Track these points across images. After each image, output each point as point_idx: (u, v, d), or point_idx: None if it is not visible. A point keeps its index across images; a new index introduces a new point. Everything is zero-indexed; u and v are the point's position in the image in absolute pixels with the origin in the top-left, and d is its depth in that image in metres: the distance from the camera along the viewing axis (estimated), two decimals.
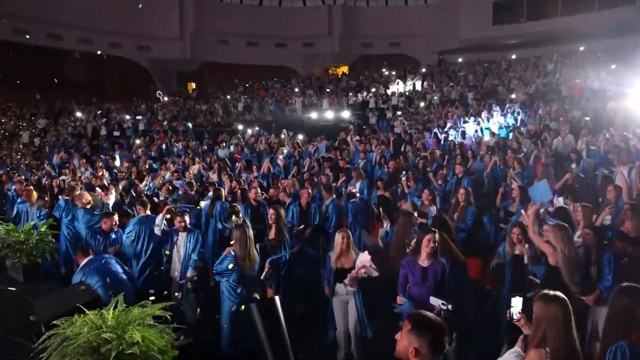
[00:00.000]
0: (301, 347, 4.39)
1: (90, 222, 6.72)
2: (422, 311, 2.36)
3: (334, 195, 7.88)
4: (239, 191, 8.22)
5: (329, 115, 19.92)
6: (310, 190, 7.75)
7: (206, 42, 31.91)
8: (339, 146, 13.58)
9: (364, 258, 4.78)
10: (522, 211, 5.83)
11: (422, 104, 19.90)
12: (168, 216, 6.19)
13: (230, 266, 4.90)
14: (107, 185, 8.99)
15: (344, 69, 33.87)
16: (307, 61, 33.20)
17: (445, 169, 9.45)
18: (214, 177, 10.44)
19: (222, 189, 8.02)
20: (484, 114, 14.89)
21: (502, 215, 6.95)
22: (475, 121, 14.47)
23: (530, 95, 17.77)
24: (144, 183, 10.21)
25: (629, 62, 17.59)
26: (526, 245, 4.90)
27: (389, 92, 22.93)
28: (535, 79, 19.51)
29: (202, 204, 7.91)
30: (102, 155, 15.37)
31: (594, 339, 4.40)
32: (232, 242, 5.12)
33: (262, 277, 5.44)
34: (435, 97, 20.49)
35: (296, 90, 25.70)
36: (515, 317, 3.08)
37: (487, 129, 13.60)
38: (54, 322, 2.93)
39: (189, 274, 5.81)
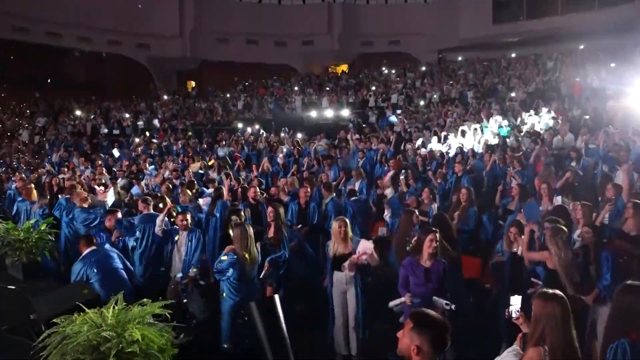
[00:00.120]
0: (301, 347, 4.40)
1: (86, 220, 6.70)
2: (424, 309, 2.38)
3: (334, 194, 7.89)
4: (239, 189, 8.22)
5: (329, 113, 19.92)
6: (308, 189, 7.74)
7: (206, 41, 31.86)
8: (339, 144, 13.59)
9: (367, 245, 4.77)
10: (522, 210, 5.86)
11: (421, 103, 19.89)
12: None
13: (230, 267, 4.90)
14: (106, 183, 9.00)
15: (344, 67, 33.83)
16: (307, 59, 33.15)
17: (444, 167, 9.46)
18: (213, 175, 10.44)
19: (223, 188, 8.02)
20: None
21: (501, 213, 6.97)
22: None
23: (530, 93, 17.76)
24: (144, 181, 10.21)
25: (629, 61, 17.58)
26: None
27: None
28: (535, 78, 19.47)
29: (201, 201, 7.89)
30: (101, 154, 15.38)
31: (593, 337, 4.41)
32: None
33: (261, 276, 5.45)
34: (435, 96, 20.48)
35: (296, 88, 25.67)
36: (514, 315, 3.09)
37: (486, 127, 13.59)
38: (54, 320, 2.93)
39: (192, 272, 5.82)
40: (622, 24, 22.86)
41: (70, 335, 2.74)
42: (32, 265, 5.28)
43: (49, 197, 8.23)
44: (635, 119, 10.53)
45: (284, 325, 3.32)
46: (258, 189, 7.71)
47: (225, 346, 4.97)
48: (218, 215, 7.32)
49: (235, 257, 4.92)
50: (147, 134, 18.95)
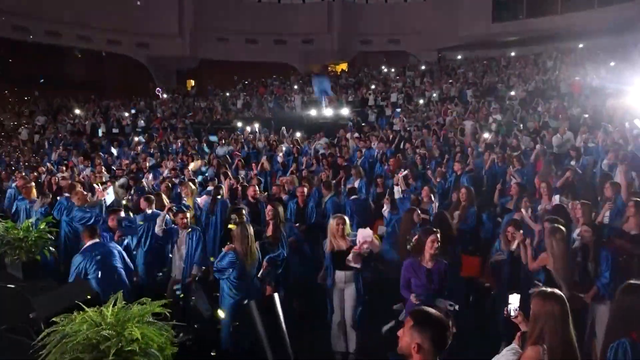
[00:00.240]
0: (301, 346, 4.39)
1: (82, 219, 6.68)
2: (425, 307, 2.37)
3: (333, 192, 7.88)
4: (239, 188, 8.21)
5: (328, 112, 19.89)
6: (306, 188, 7.73)
7: (205, 40, 31.86)
8: (338, 143, 13.58)
9: (366, 233, 4.74)
10: (523, 210, 5.87)
11: (421, 101, 19.88)
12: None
13: (230, 266, 4.90)
14: (105, 182, 8.99)
15: (343, 66, 33.81)
16: (306, 58, 33.13)
17: (444, 166, 9.45)
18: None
19: (223, 186, 8.02)
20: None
21: (499, 212, 6.97)
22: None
23: (529, 92, 17.75)
24: (144, 180, 10.19)
25: (629, 59, 17.59)
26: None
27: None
28: (535, 76, 19.47)
29: (200, 200, 7.86)
30: (101, 153, 15.36)
31: (592, 336, 4.41)
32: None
33: (259, 275, 5.45)
34: (434, 94, 20.47)
35: (295, 87, 25.66)
36: (512, 314, 3.09)
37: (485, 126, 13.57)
38: (53, 319, 2.93)
39: (194, 271, 5.82)
40: (621, 23, 22.86)
41: (70, 334, 2.73)
42: (32, 264, 5.27)
43: (50, 196, 8.22)
44: (634, 118, 10.51)
45: (283, 324, 3.33)
46: (257, 188, 7.71)
47: (225, 345, 4.97)
48: (218, 214, 7.32)
49: (236, 256, 4.92)
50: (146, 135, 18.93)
